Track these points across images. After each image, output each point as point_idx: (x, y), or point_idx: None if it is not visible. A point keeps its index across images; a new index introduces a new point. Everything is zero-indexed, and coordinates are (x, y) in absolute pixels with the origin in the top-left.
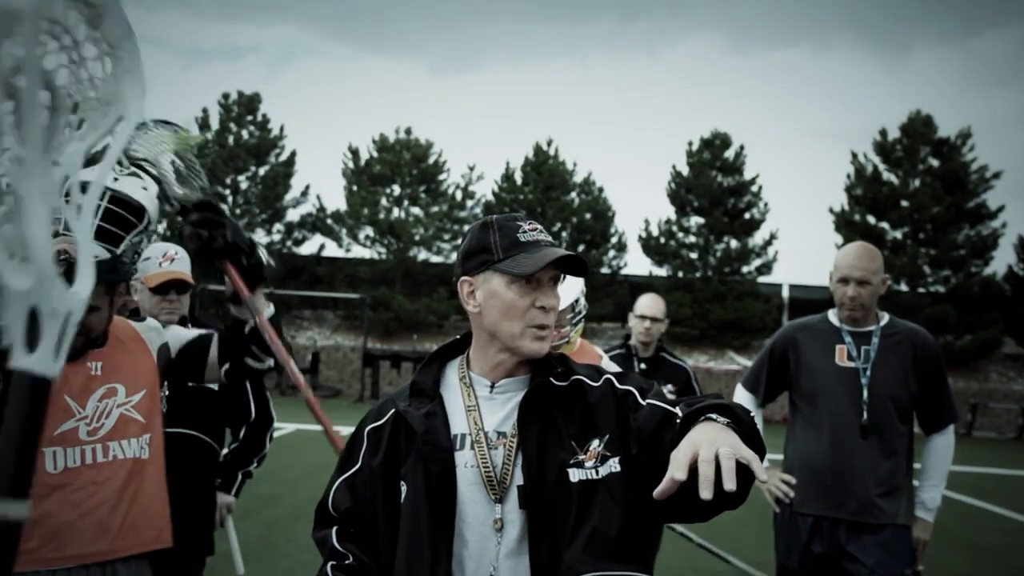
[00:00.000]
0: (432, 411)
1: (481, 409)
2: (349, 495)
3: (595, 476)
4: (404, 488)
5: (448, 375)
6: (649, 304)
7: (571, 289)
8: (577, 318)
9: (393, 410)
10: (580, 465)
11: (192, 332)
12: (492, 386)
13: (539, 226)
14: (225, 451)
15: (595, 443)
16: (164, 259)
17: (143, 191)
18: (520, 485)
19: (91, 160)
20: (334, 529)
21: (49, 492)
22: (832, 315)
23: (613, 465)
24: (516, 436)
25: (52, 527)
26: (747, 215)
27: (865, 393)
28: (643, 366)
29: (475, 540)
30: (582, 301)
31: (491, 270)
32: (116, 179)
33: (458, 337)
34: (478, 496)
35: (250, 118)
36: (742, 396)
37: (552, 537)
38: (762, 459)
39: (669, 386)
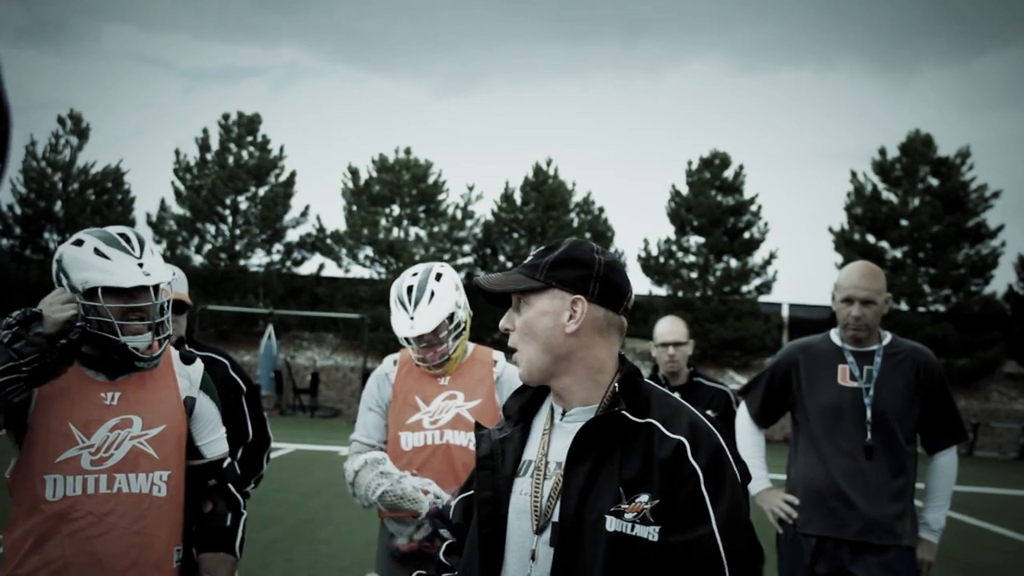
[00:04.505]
0: (508, 435)
1: (552, 436)
2: (461, 511)
3: (628, 531)
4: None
5: (547, 398)
6: (668, 329)
7: (437, 311)
8: (456, 332)
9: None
10: (620, 515)
11: (212, 429)
12: (564, 413)
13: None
14: None
15: (644, 498)
16: None
17: None
18: (555, 522)
19: None
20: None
21: (48, 523)
22: (834, 335)
23: (652, 533)
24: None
25: (54, 569)
26: (747, 234)
27: (868, 413)
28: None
29: (514, 568)
30: (458, 314)
31: None
32: None
33: None
34: (524, 524)
35: (250, 139)
36: (744, 419)
37: None
38: None
39: (708, 412)
